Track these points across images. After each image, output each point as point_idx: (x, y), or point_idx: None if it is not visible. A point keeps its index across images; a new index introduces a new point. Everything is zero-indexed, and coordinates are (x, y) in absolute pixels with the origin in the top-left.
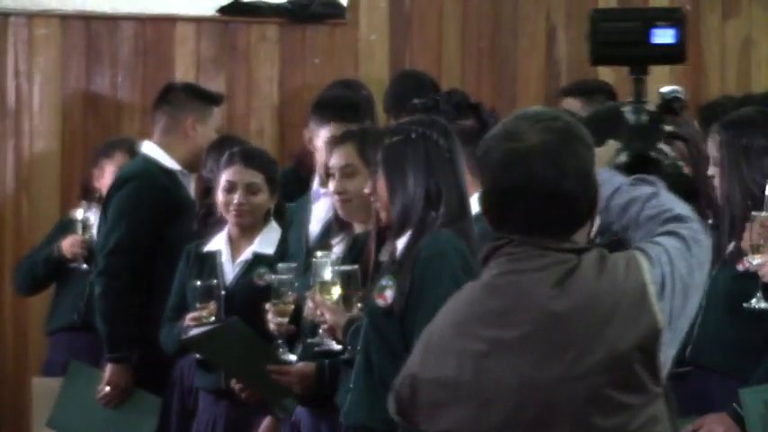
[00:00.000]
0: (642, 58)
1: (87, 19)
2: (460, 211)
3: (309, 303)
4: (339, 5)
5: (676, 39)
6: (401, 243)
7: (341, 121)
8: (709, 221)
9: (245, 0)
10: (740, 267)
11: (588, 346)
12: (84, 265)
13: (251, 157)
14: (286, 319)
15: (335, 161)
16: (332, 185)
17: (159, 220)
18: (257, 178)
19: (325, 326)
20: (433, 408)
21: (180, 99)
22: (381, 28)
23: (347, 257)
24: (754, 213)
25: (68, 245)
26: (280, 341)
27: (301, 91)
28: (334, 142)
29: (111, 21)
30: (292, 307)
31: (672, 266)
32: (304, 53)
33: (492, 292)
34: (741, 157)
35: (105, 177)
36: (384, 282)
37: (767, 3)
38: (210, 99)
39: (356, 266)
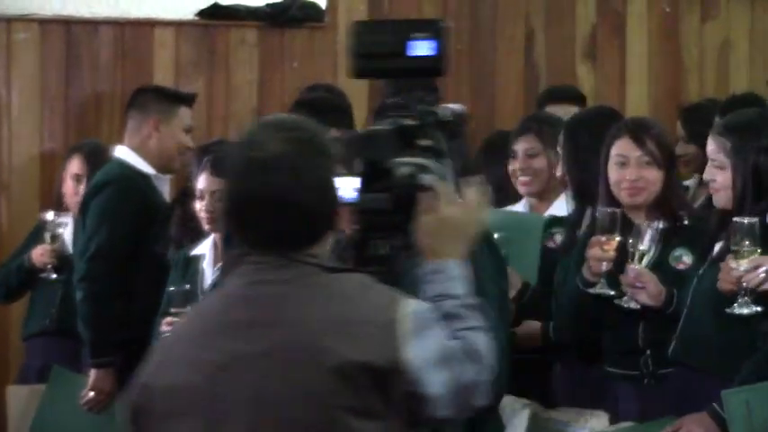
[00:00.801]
0: (399, 70)
1: (66, 23)
2: None
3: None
4: (318, 9)
5: (435, 51)
6: None
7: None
8: (686, 222)
9: (224, 4)
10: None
11: (325, 365)
12: (54, 275)
13: (219, 165)
14: None
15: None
16: None
17: (138, 224)
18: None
19: None
20: (164, 418)
21: (146, 101)
22: None
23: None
24: (735, 219)
25: (38, 255)
26: None
27: (281, 94)
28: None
29: (91, 25)
30: None
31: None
32: (283, 57)
33: (238, 301)
34: (757, 159)
35: (66, 181)
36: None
37: (746, 4)
38: (175, 98)
39: None
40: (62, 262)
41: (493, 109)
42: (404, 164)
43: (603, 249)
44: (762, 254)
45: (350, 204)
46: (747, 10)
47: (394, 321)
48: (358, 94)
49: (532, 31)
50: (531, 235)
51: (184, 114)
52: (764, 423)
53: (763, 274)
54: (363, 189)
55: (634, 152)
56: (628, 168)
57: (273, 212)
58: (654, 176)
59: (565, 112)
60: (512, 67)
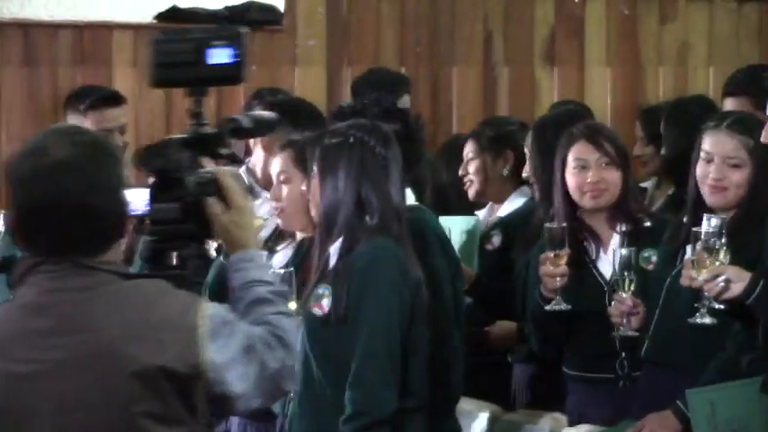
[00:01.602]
0: (199, 79)
1: (25, 26)
2: (395, 218)
3: None
4: (276, 12)
5: (233, 58)
6: (334, 249)
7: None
8: (647, 223)
9: (183, 7)
10: (685, 282)
11: (126, 372)
12: None
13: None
14: None
15: (273, 168)
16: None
17: None
18: None
19: None
20: None
21: (77, 102)
22: (318, 34)
23: (291, 263)
24: (694, 229)
25: None
26: None
27: (239, 97)
28: (274, 149)
29: (49, 28)
30: None
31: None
32: None
33: (36, 311)
34: None
35: None
36: (320, 290)
37: (704, 7)
38: (104, 99)
39: (291, 269)
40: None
41: (452, 112)
42: (195, 173)
43: (556, 265)
44: (732, 261)
45: (141, 215)
46: (705, 12)
47: (193, 325)
48: (317, 96)
49: (491, 34)
50: (469, 237)
51: (114, 114)
52: (728, 423)
53: (722, 284)
54: (154, 199)
55: (593, 155)
56: (588, 171)
57: (64, 217)
58: (614, 177)
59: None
60: (470, 70)
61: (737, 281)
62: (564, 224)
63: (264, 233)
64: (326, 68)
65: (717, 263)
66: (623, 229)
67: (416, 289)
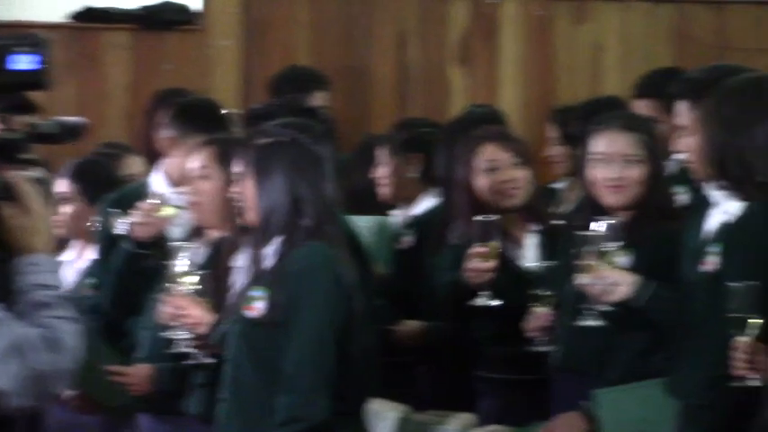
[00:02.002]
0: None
1: None
2: (329, 218)
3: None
4: (191, 12)
5: (37, 65)
6: (270, 252)
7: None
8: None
9: (98, 6)
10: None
11: None
12: None
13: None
14: None
15: (192, 164)
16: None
17: None
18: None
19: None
20: None
21: None
22: (233, 34)
23: (208, 263)
24: (583, 233)
25: None
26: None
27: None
28: (193, 147)
29: None
30: None
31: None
32: (156, 60)
33: None
34: None
35: None
36: (254, 292)
37: (617, 8)
38: None
39: (206, 271)
40: None
41: (366, 112)
42: None
43: (484, 259)
44: (635, 259)
45: None
46: (619, 13)
47: None
48: (232, 96)
49: (405, 34)
50: (379, 238)
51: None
52: (634, 423)
53: (607, 287)
54: None
55: (503, 155)
56: (500, 172)
57: None
58: (525, 176)
59: None
60: (384, 71)
61: (623, 284)
62: (495, 217)
63: (179, 231)
64: (241, 69)
65: (606, 266)
66: (536, 228)
67: (351, 294)
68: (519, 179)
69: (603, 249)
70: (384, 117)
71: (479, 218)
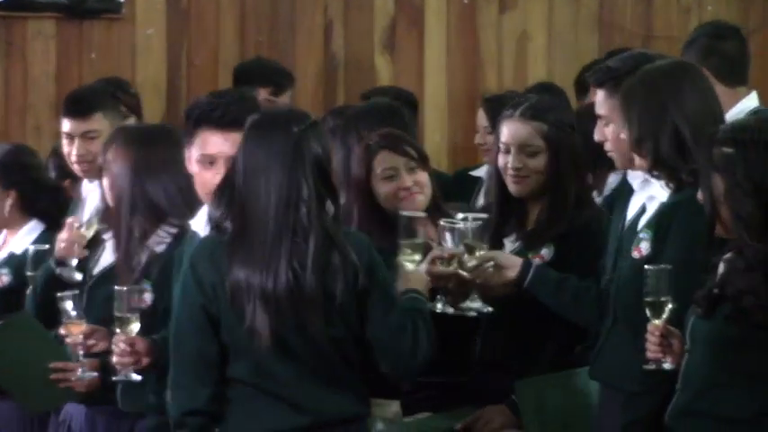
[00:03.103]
0: None
1: None
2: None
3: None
4: (116, 1)
5: None
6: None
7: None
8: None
9: None
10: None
11: None
12: None
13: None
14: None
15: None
16: None
17: None
18: None
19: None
20: None
21: None
22: (158, 23)
23: None
24: (442, 222)
25: None
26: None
27: (79, 86)
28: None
29: None
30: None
31: None
32: (81, 48)
33: None
34: None
35: None
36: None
37: None
38: None
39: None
40: None
41: (292, 101)
42: None
43: (446, 264)
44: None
45: None
46: (545, 2)
47: None
48: (156, 85)
49: (331, 23)
50: None
51: None
52: (556, 411)
53: (491, 269)
54: None
55: (399, 161)
56: (399, 178)
57: None
58: (425, 179)
59: None
60: (311, 60)
61: (509, 266)
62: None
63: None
64: (166, 58)
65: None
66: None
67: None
68: (420, 183)
69: (476, 245)
70: (310, 106)
71: (405, 213)
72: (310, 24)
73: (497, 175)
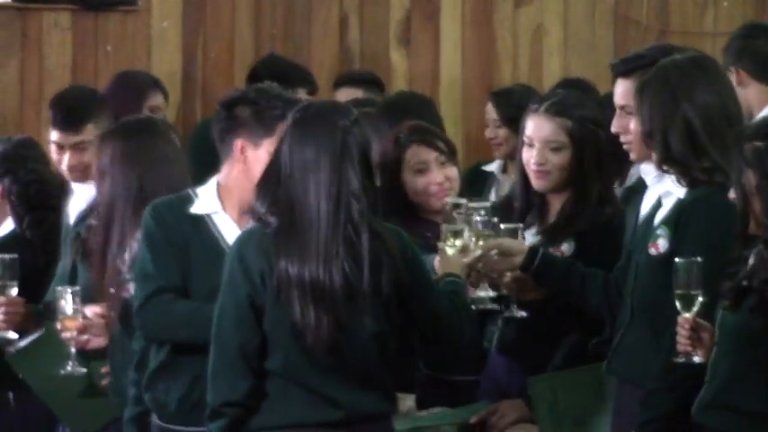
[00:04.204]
0: None
1: None
2: None
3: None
4: None
5: None
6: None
7: None
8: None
9: None
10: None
11: None
12: None
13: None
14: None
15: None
16: None
17: None
18: None
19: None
20: None
21: None
22: (173, 15)
23: None
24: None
25: None
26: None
27: (94, 78)
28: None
29: None
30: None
31: None
32: (96, 40)
33: None
34: None
35: None
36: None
37: None
38: None
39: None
40: None
41: None
42: None
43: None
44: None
45: None
46: None
47: None
48: (172, 77)
49: (346, 16)
50: None
51: None
52: (569, 407)
53: (496, 257)
54: None
55: (431, 155)
56: (431, 173)
57: None
58: (455, 174)
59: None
60: (326, 52)
61: (516, 252)
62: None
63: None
64: (182, 50)
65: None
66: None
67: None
68: (451, 178)
69: (484, 232)
70: (325, 99)
71: (450, 200)
72: (326, 17)
73: (521, 168)
